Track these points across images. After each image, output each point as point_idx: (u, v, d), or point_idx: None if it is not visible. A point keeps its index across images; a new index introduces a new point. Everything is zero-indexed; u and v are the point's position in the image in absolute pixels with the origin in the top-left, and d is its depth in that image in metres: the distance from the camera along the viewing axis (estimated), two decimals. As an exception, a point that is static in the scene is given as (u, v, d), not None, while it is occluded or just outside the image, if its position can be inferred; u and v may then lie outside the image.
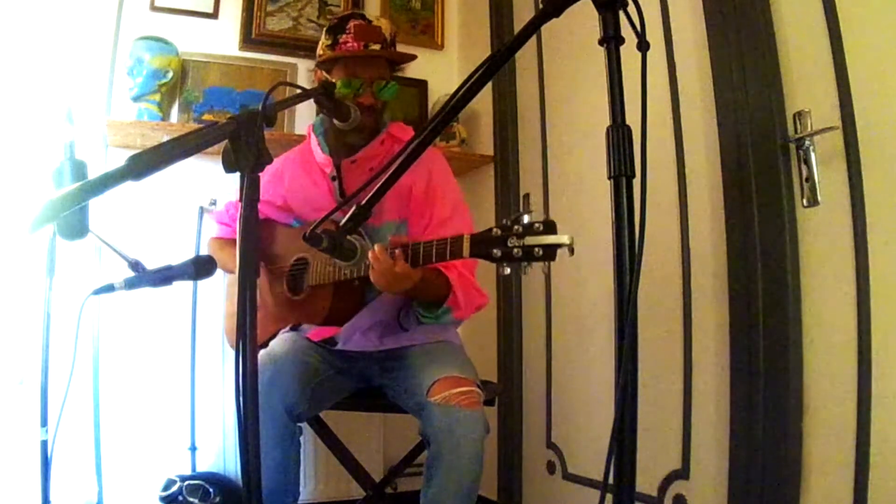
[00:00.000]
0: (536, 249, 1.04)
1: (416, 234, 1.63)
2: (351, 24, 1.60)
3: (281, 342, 1.61)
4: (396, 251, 1.28)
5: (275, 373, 1.47)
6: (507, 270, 1.09)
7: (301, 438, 1.54)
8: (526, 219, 1.07)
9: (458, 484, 1.37)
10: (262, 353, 1.55)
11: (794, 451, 1.40)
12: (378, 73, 1.61)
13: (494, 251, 1.08)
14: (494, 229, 1.10)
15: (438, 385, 1.42)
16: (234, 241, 1.82)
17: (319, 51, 1.66)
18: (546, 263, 1.05)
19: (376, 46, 1.59)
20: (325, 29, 1.66)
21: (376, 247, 1.28)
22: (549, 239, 1.03)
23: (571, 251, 1.03)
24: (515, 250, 1.06)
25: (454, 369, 1.47)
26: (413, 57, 1.67)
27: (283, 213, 1.77)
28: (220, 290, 2.29)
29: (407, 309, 1.62)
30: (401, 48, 1.69)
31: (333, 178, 1.68)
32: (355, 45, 1.58)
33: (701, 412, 1.64)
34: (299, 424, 1.53)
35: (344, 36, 1.59)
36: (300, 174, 1.74)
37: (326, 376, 1.59)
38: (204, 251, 2.18)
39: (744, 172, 1.52)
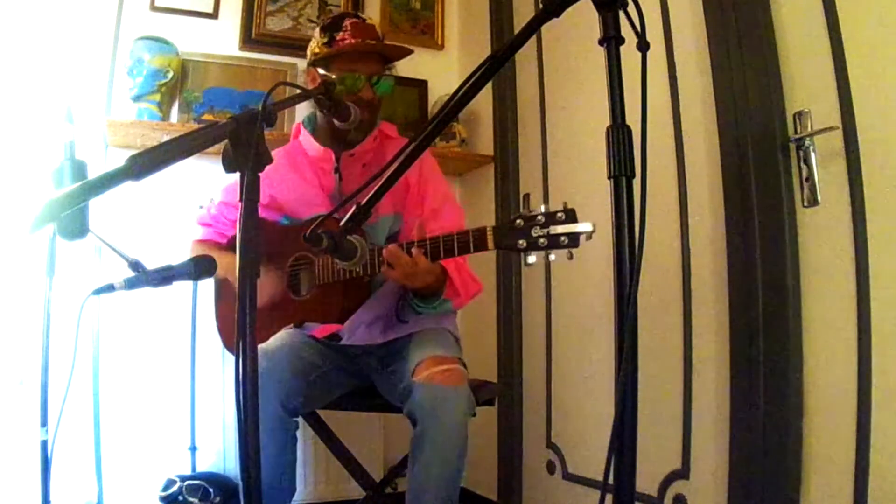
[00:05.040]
0: (562, 238, 1.08)
1: (410, 226, 1.66)
2: (347, 21, 1.63)
3: (277, 337, 1.62)
4: (413, 249, 1.29)
5: (269, 366, 1.46)
6: (532, 259, 1.12)
7: (301, 438, 1.54)
8: (543, 208, 1.11)
9: (442, 460, 1.38)
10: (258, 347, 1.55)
11: (795, 450, 1.40)
12: (375, 68, 1.64)
13: (520, 241, 1.11)
14: (517, 220, 1.13)
15: (422, 365, 1.45)
16: (218, 243, 1.84)
17: (315, 49, 1.67)
18: (570, 251, 1.09)
19: (373, 42, 1.63)
20: (318, 28, 1.68)
21: (391, 246, 1.30)
22: (573, 227, 1.08)
23: (590, 237, 1.08)
24: (541, 240, 1.09)
25: (437, 349, 1.50)
26: (410, 51, 1.69)
27: (270, 211, 1.78)
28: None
29: (403, 301, 1.63)
30: (400, 48, 1.71)
31: (336, 171, 1.70)
32: (353, 41, 1.60)
33: (701, 412, 1.64)
34: (295, 420, 1.53)
35: (341, 33, 1.62)
36: (289, 172, 1.75)
37: (323, 371, 1.59)
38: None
39: (744, 172, 1.52)
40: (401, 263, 1.31)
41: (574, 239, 1.08)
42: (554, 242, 1.09)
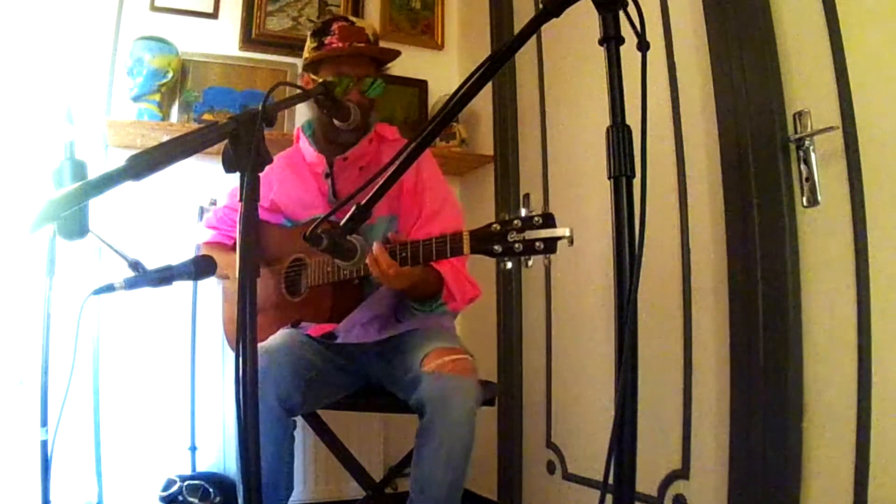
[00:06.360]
0: (538, 243, 1.05)
1: (406, 229, 1.66)
2: (335, 25, 1.64)
3: (275, 336, 1.62)
4: (386, 255, 1.29)
5: (268, 364, 1.46)
6: (510, 265, 1.09)
7: (301, 438, 1.54)
8: (524, 213, 1.08)
9: (448, 452, 1.37)
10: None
11: (794, 451, 1.40)
12: (364, 70, 1.64)
13: (495, 247, 1.09)
14: (494, 225, 1.11)
15: (432, 355, 1.45)
16: (224, 245, 1.85)
17: (305, 54, 1.70)
18: (546, 256, 1.06)
19: (361, 45, 1.62)
20: (309, 33, 1.70)
21: (375, 246, 1.29)
22: (549, 232, 1.05)
23: (571, 242, 1.04)
24: (516, 245, 1.07)
25: (444, 341, 1.51)
26: (398, 53, 1.69)
27: (271, 214, 1.80)
28: (219, 290, 2.29)
29: (402, 304, 1.64)
30: (400, 48, 1.71)
31: (327, 176, 1.70)
32: (340, 44, 1.61)
33: (701, 412, 1.64)
34: (293, 419, 1.53)
35: (329, 38, 1.63)
36: (289, 175, 1.77)
37: (323, 371, 1.60)
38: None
39: (744, 172, 1.52)
40: (378, 265, 1.30)
41: (550, 245, 1.05)
42: (529, 248, 1.06)
